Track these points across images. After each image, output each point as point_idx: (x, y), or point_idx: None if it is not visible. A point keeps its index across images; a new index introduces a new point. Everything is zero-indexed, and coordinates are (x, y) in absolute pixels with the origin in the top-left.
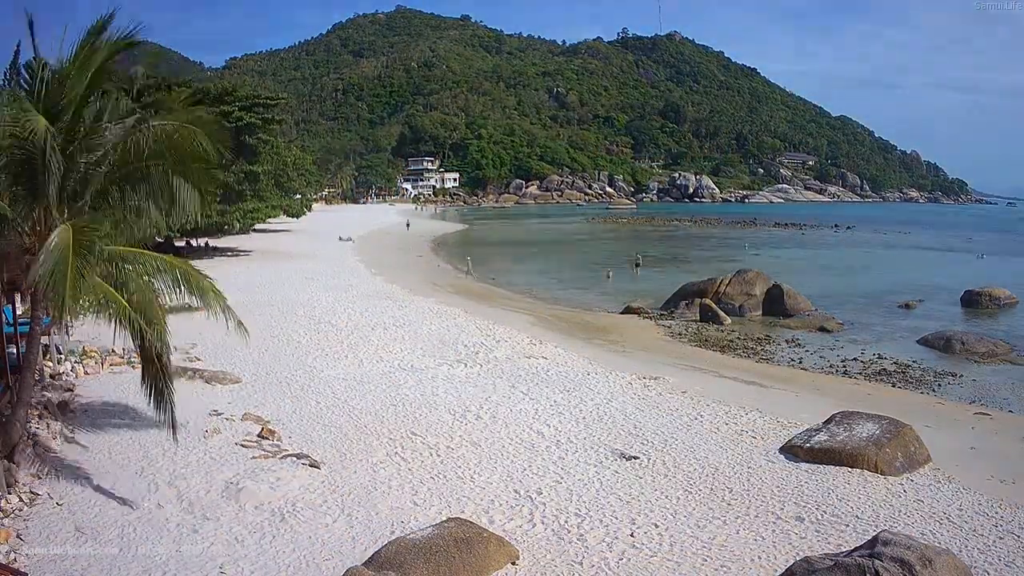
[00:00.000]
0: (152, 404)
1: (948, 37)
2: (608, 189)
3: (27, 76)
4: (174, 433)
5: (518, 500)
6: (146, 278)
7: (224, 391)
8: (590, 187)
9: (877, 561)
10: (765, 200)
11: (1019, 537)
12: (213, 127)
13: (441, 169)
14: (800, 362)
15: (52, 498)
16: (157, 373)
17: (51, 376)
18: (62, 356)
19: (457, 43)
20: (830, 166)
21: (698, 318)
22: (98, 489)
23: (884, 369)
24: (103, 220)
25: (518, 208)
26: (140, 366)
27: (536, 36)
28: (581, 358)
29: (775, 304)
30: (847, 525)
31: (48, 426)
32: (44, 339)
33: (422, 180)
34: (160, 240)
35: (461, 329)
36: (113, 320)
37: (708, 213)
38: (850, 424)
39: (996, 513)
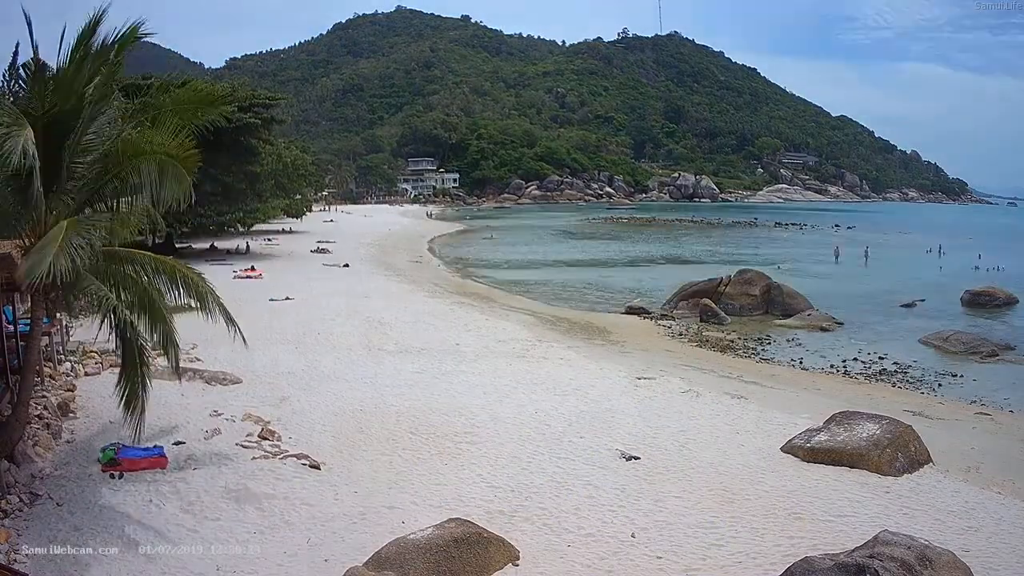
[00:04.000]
0: (122, 407)
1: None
2: (608, 189)
3: (25, 76)
4: (135, 438)
5: (518, 500)
6: (145, 279)
7: (224, 391)
8: (590, 187)
9: (877, 561)
10: (765, 200)
11: (1020, 537)
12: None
13: (441, 170)
14: (800, 362)
15: (52, 498)
16: (136, 376)
17: (51, 376)
18: (62, 356)
19: (457, 43)
20: (830, 166)
21: (698, 318)
22: (98, 489)
23: (884, 369)
24: (101, 216)
25: (519, 208)
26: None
27: (536, 36)
28: (582, 358)
29: (775, 304)
30: (847, 525)
31: (48, 426)
32: (44, 339)
33: (422, 181)
34: (159, 241)
35: (462, 329)
36: (105, 316)
37: (708, 213)
38: (850, 424)
39: (996, 513)
